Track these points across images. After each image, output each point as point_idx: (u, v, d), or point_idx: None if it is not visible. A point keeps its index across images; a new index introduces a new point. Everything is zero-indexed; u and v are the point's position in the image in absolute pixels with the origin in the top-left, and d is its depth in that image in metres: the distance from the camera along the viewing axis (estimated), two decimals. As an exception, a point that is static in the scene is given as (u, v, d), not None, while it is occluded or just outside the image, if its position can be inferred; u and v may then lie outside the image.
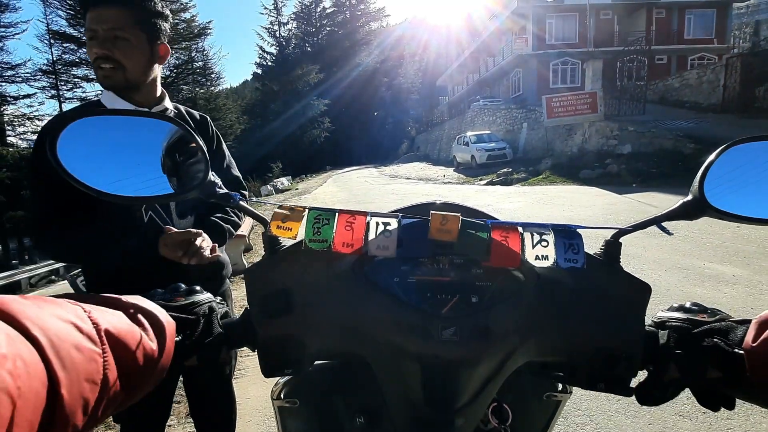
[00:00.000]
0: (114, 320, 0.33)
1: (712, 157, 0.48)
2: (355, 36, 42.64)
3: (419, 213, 0.53)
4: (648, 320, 0.51)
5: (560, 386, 0.62)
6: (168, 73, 24.79)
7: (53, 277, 13.15)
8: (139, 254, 1.03)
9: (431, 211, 0.50)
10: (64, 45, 22.72)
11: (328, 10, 43.91)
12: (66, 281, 4.62)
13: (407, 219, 0.51)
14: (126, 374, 0.32)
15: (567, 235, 0.50)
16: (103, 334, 0.31)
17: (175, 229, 1.04)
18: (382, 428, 0.59)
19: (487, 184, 12.16)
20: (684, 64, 22.08)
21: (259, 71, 38.66)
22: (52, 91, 23.70)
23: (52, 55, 23.30)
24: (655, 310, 0.53)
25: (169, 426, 2.14)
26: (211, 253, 1.06)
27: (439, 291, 0.53)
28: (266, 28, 38.36)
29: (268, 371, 0.53)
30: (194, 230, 1.05)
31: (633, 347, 0.49)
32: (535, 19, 22.55)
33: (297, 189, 17.76)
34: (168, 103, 1.21)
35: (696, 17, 22.85)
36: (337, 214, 0.52)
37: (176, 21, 22.38)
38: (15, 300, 0.27)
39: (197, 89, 27.04)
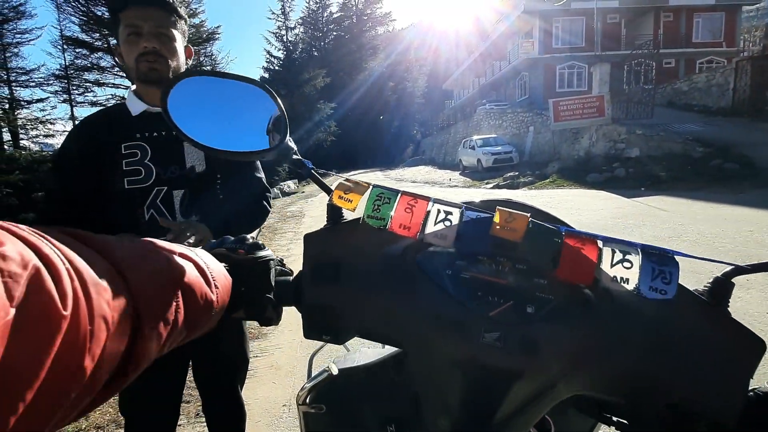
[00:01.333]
0: (188, 270, 0.37)
1: None
2: (362, 40, 42.86)
3: (486, 209, 0.49)
4: (754, 383, 0.43)
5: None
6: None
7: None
8: None
9: (498, 207, 0.46)
10: (77, 50, 23.08)
11: (335, 15, 44.22)
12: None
13: (471, 212, 0.48)
14: (189, 318, 0.36)
15: (659, 260, 0.42)
16: (179, 282, 0.35)
17: (170, 221, 1.04)
18: None
19: (493, 187, 12.13)
20: (692, 67, 21.92)
21: (267, 75, 38.92)
22: (64, 95, 24.04)
23: (64, 60, 23.65)
24: None
25: (180, 425, 2.16)
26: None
27: (492, 293, 0.49)
28: (273, 33, 38.65)
29: (308, 333, 0.54)
30: (184, 223, 1.02)
31: (726, 411, 0.41)
32: (542, 21, 22.54)
33: (303, 192, 17.83)
34: None
35: (704, 20, 22.68)
36: (399, 194, 0.50)
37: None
38: (118, 244, 0.31)
39: (206, 93, 27.27)
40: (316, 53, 41.65)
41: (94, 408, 0.26)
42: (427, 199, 0.49)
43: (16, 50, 22.49)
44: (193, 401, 2.30)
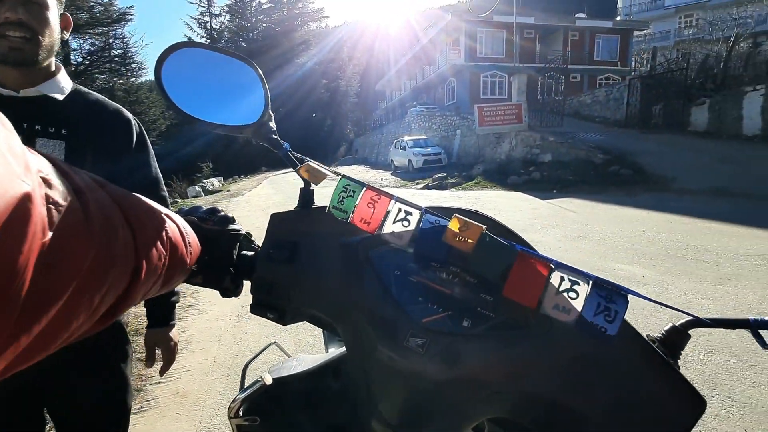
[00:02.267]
0: (173, 229, 0.41)
1: None
2: (294, 35, 41.68)
3: (446, 215, 0.48)
4: None
5: None
6: (81, 60, 22.22)
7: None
8: None
9: (455, 214, 0.46)
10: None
11: (264, 6, 42.47)
12: None
13: (431, 216, 0.47)
14: (168, 273, 0.39)
15: (607, 296, 0.40)
16: (169, 238, 0.39)
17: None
18: None
19: (423, 188, 12.51)
20: (594, 82, 24.70)
21: (188, 64, 36.18)
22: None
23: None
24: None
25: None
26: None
27: (433, 301, 0.48)
28: (196, 19, 36.16)
29: (254, 308, 0.54)
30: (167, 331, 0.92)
31: None
32: (468, 32, 23.79)
33: (229, 191, 16.84)
34: (64, 81, 1.00)
35: (603, 41, 25.71)
36: (364, 188, 0.51)
37: (92, 4, 20.15)
38: (126, 197, 0.35)
39: (115, 79, 24.53)
40: (243, 44, 39.65)
41: (82, 337, 0.29)
42: (390, 196, 0.50)
43: None
44: None
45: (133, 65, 25.27)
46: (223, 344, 3.02)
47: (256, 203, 11.35)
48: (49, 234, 0.21)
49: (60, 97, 0.98)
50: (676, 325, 0.44)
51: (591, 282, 0.41)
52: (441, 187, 11.99)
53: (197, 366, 2.74)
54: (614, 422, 0.42)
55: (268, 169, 29.51)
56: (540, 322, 0.44)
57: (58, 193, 0.23)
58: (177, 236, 0.41)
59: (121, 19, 22.23)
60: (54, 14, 0.92)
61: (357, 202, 0.50)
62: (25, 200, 0.20)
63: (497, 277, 0.44)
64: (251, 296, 0.55)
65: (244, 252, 0.56)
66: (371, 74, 43.26)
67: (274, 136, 0.57)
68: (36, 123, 0.92)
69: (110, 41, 23.30)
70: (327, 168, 0.55)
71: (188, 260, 0.44)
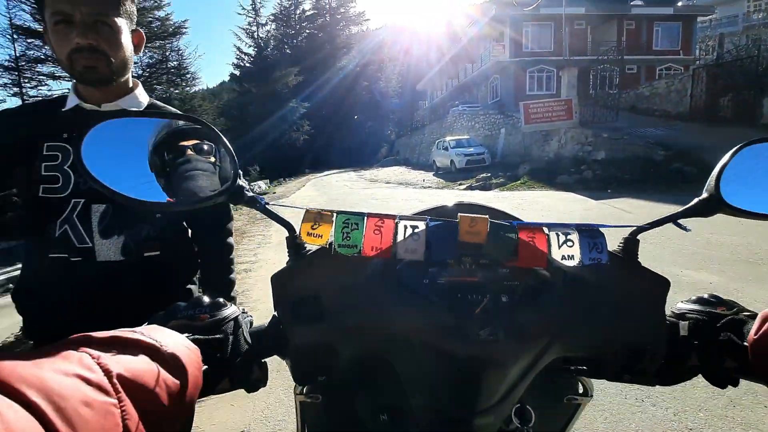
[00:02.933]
0: (127, 361, 0.30)
1: (727, 156, 0.50)
2: (336, 40, 42.51)
3: (445, 215, 0.54)
4: (668, 310, 0.53)
5: (581, 389, 0.63)
6: (141, 72, 23.96)
7: (11, 285, 12.45)
8: (47, 278, 0.89)
9: (460, 214, 0.50)
10: (29, 41, 21.66)
11: (308, 13, 43.65)
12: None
13: (434, 221, 0.51)
14: (149, 419, 0.29)
15: (591, 235, 0.51)
16: (115, 380, 0.27)
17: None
18: (405, 427, 0.58)
19: (466, 188, 12.23)
20: (653, 74, 22.98)
21: (237, 72, 37.96)
22: (15, 89, 22.56)
23: (15, 50, 22.19)
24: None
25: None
26: None
27: (468, 291, 0.53)
28: (244, 29, 37.77)
29: (300, 378, 0.54)
30: None
31: (657, 340, 0.50)
32: (512, 26, 23.01)
33: (275, 193, 17.42)
34: (142, 96, 1.05)
35: (663, 29, 23.85)
36: (365, 218, 0.51)
37: (150, 19, 21.70)
38: (6, 363, 0.24)
39: (172, 89, 26.21)
40: (288, 51, 40.97)
41: None
42: (393, 217, 0.52)
43: (-42, 39, 21.14)
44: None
45: (188, 75, 26.83)
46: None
47: (300, 204, 11.59)
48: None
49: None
50: (627, 236, 0.55)
51: (576, 230, 0.51)
52: (485, 187, 11.66)
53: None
54: (628, 322, 0.51)
55: (311, 171, 30.29)
56: (555, 274, 0.53)
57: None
58: (139, 369, 0.30)
59: (176, 32, 23.69)
60: (125, 34, 0.94)
61: (364, 233, 0.51)
62: None
63: (509, 254, 0.50)
64: (289, 368, 0.52)
65: (254, 329, 0.52)
66: (412, 75, 43.10)
67: (248, 193, 0.53)
68: None
69: (167, 54, 24.90)
70: (318, 210, 0.52)
71: (177, 384, 0.33)
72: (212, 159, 0.54)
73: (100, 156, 0.46)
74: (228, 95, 41.60)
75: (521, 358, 0.49)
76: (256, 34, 37.84)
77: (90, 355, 0.28)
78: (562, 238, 0.51)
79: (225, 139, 0.52)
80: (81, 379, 0.26)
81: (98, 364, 0.27)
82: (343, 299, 0.52)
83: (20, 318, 1.00)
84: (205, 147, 0.55)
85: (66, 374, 0.25)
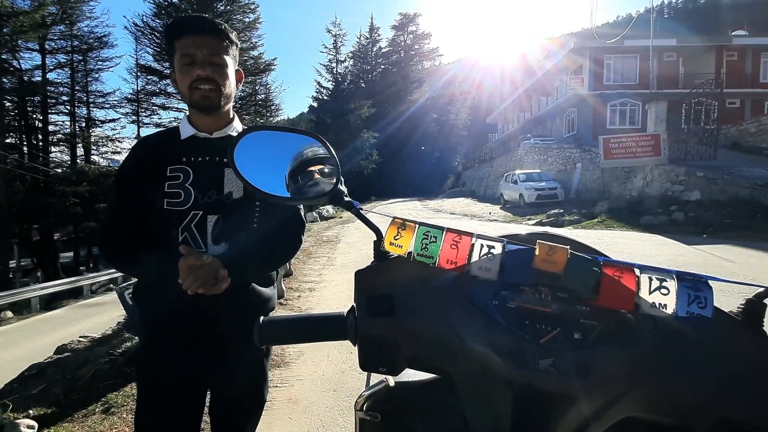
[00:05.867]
0: None
1: None
2: (408, 74, 44.12)
3: (523, 241, 0.53)
4: None
5: None
6: (233, 104, 26.75)
7: (111, 285, 14.08)
8: (168, 274, 1.00)
9: (539, 241, 0.49)
10: (149, 77, 25.58)
11: (384, 50, 46.04)
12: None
13: (513, 245, 0.51)
14: None
15: (694, 286, 0.45)
16: None
17: (191, 250, 1.00)
18: None
19: (535, 224, 11.63)
20: (760, 108, 20.51)
21: (315, 104, 40.84)
22: (133, 117, 26.58)
23: (137, 85, 26.31)
24: None
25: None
26: (213, 286, 0.98)
27: (538, 321, 0.51)
28: (324, 65, 40.82)
29: (364, 365, 0.56)
30: (203, 258, 0.97)
31: None
32: (592, 59, 22.13)
33: (341, 217, 18.04)
34: (238, 125, 1.24)
35: (773, 60, 21.33)
36: (444, 231, 0.54)
37: (245, 58, 24.36)
38: None
39: (258, 119, 28.90)
40: (363, 85, 43.30)
41: None
42: (471, 234, 0.53)
43: (96, 75, 25.66)
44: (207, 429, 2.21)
45: (272, 107, 29.43)
46: (331, 360, 3.25)
47: (365, 230, 11.85)
48: None
49: None
50: (751, 297, 0.48)
51: (676, 277, 0.45)
52: (556, 224, 11.00)
53: (308, 377, 2.97)
54: (736, 395, 0.45)
55: (377, 198, 30.99)
56: (643, 321, 0.48)
57: None
58: None
59: (266, 69, 26.31)
60: (231, 70, 1.15)
61: (441, 246, 0.53)
62: None
63: (589, 290, 0.47)
64: (357, 354, 0.57)
65: (322, 313, 0.60)
66: (482, 107, 42.99)
67: (346, 198, 0.64)
68: (225, 157, 1.15)
69: (256, 87, 27.63)
70: (402, 220, 0.58)
71: None
72: (333, 180, 0.66)
73: (244, 158, 0.66)
74: (306, 125, 44.73)
75: (584, 398, 0.45)
76: (335, 69, 40.68)
77: None
78: (655, 283, 0.45)
79: (333, 151, 0.65)
80: None
81: None
82: (412, 303, 0.54)
83: (119, 313, 1.14)
84: (327, 170, 0.68)
85: None
